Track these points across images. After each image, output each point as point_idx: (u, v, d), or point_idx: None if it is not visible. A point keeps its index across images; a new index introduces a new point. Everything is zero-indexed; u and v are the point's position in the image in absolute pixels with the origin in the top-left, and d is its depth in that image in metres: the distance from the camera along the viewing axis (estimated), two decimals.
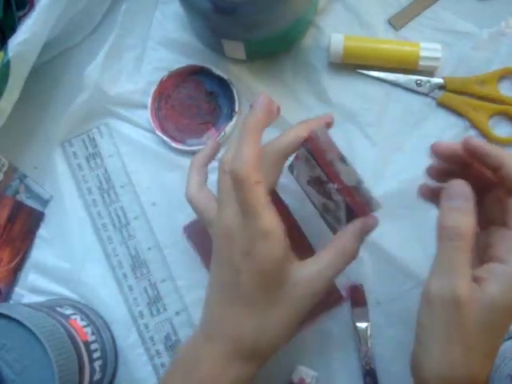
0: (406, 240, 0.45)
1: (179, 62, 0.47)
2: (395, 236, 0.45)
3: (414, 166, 0.45)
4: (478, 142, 0.34)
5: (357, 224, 0.36)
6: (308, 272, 0.35)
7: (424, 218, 0.45)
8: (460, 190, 0.32)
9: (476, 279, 0.31)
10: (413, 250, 0.45)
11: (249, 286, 0.34)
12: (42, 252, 0.46)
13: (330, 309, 0.44)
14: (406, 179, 0.45)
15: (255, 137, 0.34)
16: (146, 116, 0.47)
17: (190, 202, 0.39)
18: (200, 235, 0.44)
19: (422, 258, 0.44)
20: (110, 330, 0.44)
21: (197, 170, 0.40)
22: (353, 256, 0.35)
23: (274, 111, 0.36)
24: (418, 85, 0.46)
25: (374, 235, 0.44)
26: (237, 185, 0.34)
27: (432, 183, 0.38)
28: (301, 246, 0.42)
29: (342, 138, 0.46)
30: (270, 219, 0.34)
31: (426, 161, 0.45)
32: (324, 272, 0.35)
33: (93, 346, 0.40)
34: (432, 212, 0.44)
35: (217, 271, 0.36)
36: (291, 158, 0.38)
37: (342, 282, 0.44)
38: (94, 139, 0.47)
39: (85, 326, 0.40)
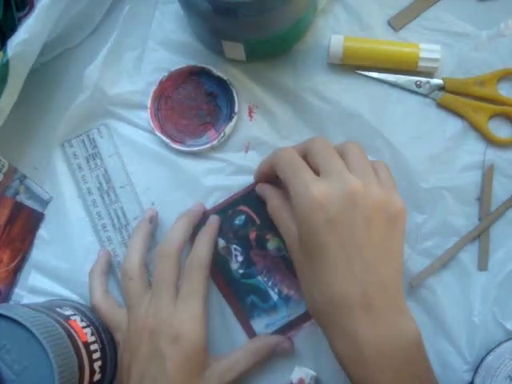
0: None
1: (179, 62, 0.47)
2: None
3: (413, 167, 0.45)
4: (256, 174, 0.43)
5: (275, 339, 0.42)
6: (220, 366, 0.40)
7: (419, 218, 0.45)
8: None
9: None
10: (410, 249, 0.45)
11: (174, 372, 0.38)
12: (41, 253, 0.46)
13: None
14: (404, 180, 0.45)
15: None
16: (145, 116, 0.46)
17: (96, 309, 0.43)
18: None
19: (418, 256, 0.45)
20: (109, 331, 0.44)
21: (98, 278, 0.44)
22: (261, 360, 0.42)
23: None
24: (418, 86, 0.46)
25: None
26: (196, 267, 0.41)
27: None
28: None
29: (342, 139, 0.46)
30: (204, 305, 0.40)
31: (425, 162, 0.45)
32: (234, 367, 0.40)
33: (92, 347, 0.40)
34: (428, 213, 0.45)
35: (139, 368, 0.39)
36: None
37: None
38: (93, 140, 0.47)
39: (85, 327, 0.40)
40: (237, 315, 0.44)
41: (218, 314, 0.44)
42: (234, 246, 0.45)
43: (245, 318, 0.44)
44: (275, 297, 0.44)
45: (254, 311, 0.44)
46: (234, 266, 0.44)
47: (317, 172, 0.37)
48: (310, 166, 0.37)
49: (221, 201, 0.45)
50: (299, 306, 0.44)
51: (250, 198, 0.45)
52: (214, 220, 0.44)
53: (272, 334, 0.44)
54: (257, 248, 0.45)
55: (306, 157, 0.38)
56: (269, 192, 0.42)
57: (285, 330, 0.44)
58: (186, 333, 0.39)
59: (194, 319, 0.39)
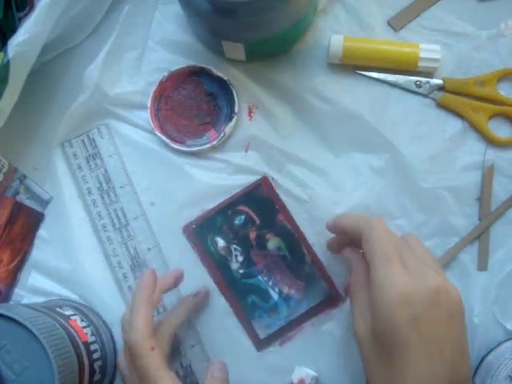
0: None
1: (179, 62, 0.47)
2: None
3: (413, 167, 0.45)
4: (335, 220, 0.41)
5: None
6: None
7: (419, 218, 0.45)
8: None
9: None
10: None
11: None
12: (41, 253, 0.46)
13: (329, 309, 0.44)
14: (404, 180, 0.45)
15: (146, 307, 0.37)
16: (145, 116, 0.47)
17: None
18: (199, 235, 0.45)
19: None
20: (109, 331, 0.44)
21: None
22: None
23: (171, 281, 0.42)
24: (418, 86, 0.46)
25: None
26: (132, 352, 0.36)
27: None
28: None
29: (342, 139, 0.46)
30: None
31: (425, 162, 0.45)
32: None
33: (93, 347, 0.40)
34: (428, 213, 0.45)
35: None
36: None
37: (341, 282, 0.44)
38: (93, 140, 0.47)
39: (85, 327, 0.40)
40: (238, 316, 0.44)
41: (220, 315, 0.44)
42: (234, 246, 0.45)
43: (246, 319, 0.44)
44: (276, 296, 0.44)
45: (255, 311, 0.44)
46: (234, 266, 0.45)
47: None
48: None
49: (221, 201, 0.45)
50: (299, 305, 0.44)
51: (250, 198, 0.45)
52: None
53: (272, 334, 0.44)
54: (257, 248, 0.45)
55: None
56: (356, 264, 0.38)
57: (285, 329, 0.44)
58: None
59: None
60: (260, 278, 0.44)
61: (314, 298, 0.44)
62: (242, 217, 0.45)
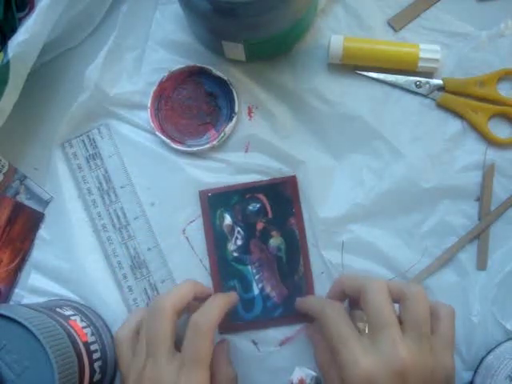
0: (400, 239, 0.45)
1: (179, 62, 0.47)
2: (391, 235, 0.45)
3: (413, 167, 0.45)
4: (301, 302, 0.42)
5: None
6: None
7: (419, 218, 0.45)
8: None
9: None
10: (410, 250, 0.45)
11: None
12: (42, 253, 0.46)
13: (299, 323, 0.44)
14: (404, 180, 0.45)
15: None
16: (145, 117, 0.47)
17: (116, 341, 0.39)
18: None
19: (417, 256, 0.45)
20: (110, 331, 0.44)
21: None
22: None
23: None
24: (418, 86, 0.46)
25: (372, 235, 0.45)
26: (203, 329, 0.36)
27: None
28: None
29: (341, 139, 0.46)
30: (209, 373, 0.37)
31: (425, 162, 0.45)
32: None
33: (93, 347, 0.40)
34: (428, 212, 0.45)
35: None
36: None
37: None
38: (93, 140, 0.47)
39: (85, 327, 0.40)
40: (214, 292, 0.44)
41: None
42: (239, 228, 0.45)
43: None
44: (256, 291, 0.44)
45: None
46: (231, 247, 0.45)
47: (366, 320, 0.36)
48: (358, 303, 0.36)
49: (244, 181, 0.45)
50: (274, 310, 0.44)
51: (272, 190, 0.45)
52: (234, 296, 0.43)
53: (236, 324, 0.44)
54: (259, 239, 0.45)
55: (357, 292, 0.36)
56: (317, 342, 0.40)
57: (249, 325, 0.44)
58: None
59: None
60: (249, 268, 0.45)
61: (290, 310, 0.44)
62: (257, 205, 0.45)
